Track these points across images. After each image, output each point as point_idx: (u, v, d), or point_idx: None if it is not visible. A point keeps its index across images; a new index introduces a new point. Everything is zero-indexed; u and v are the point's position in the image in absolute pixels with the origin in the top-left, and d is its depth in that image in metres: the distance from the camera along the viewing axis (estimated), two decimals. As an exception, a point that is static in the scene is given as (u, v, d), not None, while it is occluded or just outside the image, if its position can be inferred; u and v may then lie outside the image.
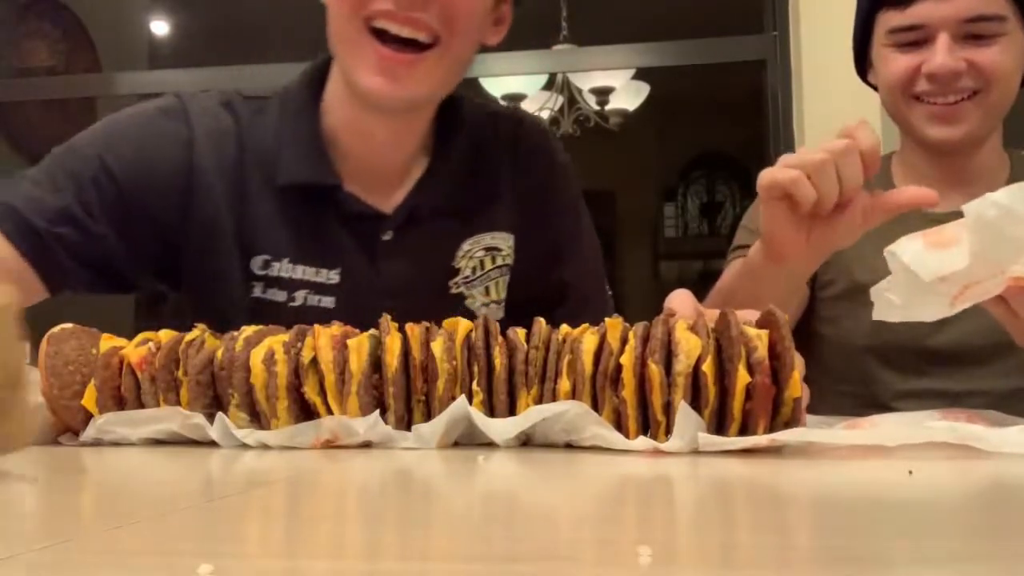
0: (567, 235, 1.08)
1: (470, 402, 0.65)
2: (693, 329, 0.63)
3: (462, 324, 0.69)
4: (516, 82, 3.66)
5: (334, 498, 0.49)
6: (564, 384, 0.64)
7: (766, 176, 0.83)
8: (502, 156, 1.04)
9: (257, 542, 0.36)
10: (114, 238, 0.92)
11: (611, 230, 5.68)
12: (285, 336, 0.68)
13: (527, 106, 3.87)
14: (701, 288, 0.97)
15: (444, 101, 0.98)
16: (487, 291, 1.02)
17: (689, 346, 0.61)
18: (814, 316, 1.15)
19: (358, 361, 0.66)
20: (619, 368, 0.62)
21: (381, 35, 0.87)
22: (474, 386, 0.66)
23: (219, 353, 0.68)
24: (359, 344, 0.67)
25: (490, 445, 0.65)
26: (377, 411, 0.65)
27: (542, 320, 0.69)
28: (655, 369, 0.60)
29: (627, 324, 0.65)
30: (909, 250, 0.69)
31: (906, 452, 0.58)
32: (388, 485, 0.54)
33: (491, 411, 0.66)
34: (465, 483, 0.55)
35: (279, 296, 0.94)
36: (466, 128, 1.01)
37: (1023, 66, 1.07)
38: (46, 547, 0.32)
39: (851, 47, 1.17)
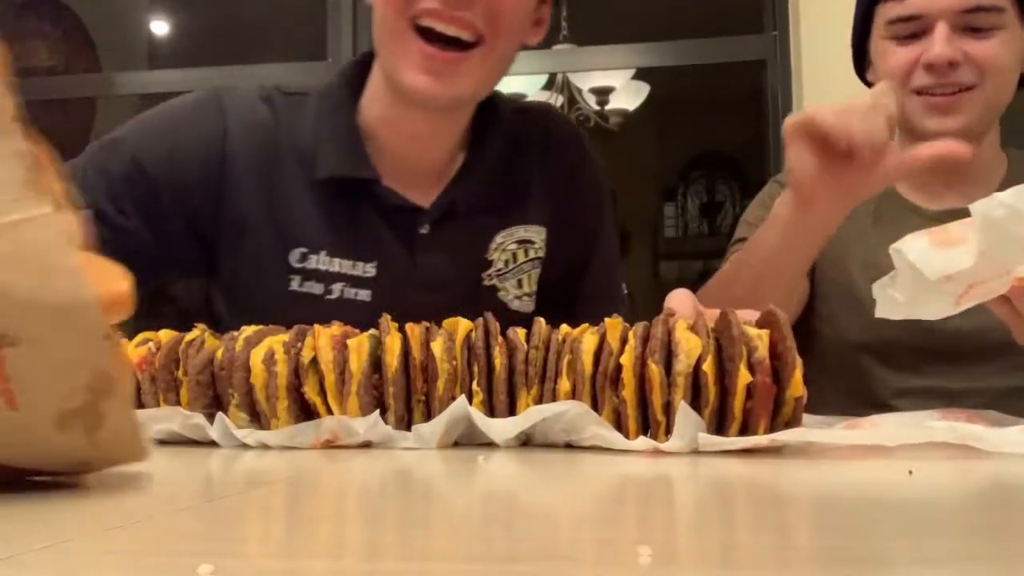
0: (593, 229, 1.09)
1: (470, 402, 0.65)
2: (693, 329, 0.63)
3: (462, 324, 0.69)
4: (516, 82, 3.66)
5: (334, 498, 0.49)
6: (564, 384, 0.64)
7: (801, 115, 0.85)
8: (534, 150, 1.05)
9: (257, 542, 0.36)
10: (147, 233, 0.93)
11: (611, 230, 5.66)
12: (285, 336, 0.68)
13: (527, 106, 3.86)
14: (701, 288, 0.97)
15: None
16: (519, 284, 1.02)
17: (689, 346, 0.61)
18: (813, 314, 1.15)
19: (358, 361, 0.66)
20: (619, 368, 0.62)
21: (426, 33, 0.88)
22: (474, 386, 0.66)
23: (219, 353, 0.68)
24: (359, 344, 0.67)
25: (490, 445, 0.65)
26: (377, 411, 0.65)
27: (542, 320, 0.69)
28: (655, 369, 0.60)
29: (627, 324, 0.65)
30: (915, 248, 0.69)
31: (906, 452, 0.58)
32: (388, 485, 0.54)
33: (491, 411, 0.66)
34: (465, 483, 0.55)
35: (316, 289, 0.95)
36: (502, 124, 1.02)
37: (1021, 61, 1.08)
38: (46, 547, 0.32)
39: (850, 46, 1.17)
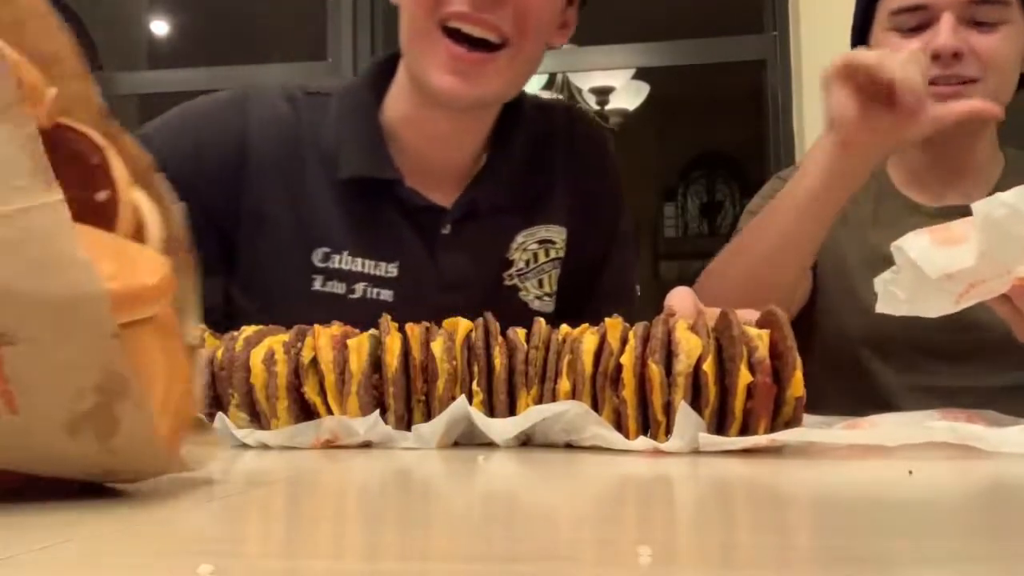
0: (611, 229, 1.10)
1: (470, 402, 0.65)
2: (693, 329, 0.63)
3: (462, 324, 0.69)
4: (516, 82, 3.66)
5: (334, 498, 0.49)
6: (564, 384, 0.64)
7: (842, 57, 0.87)
8: (557, 150, 1.05)
9: (257, 542, 0.36)
10: None
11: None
12: (285, 336, 0.68)
13: (527, 106, 3.87)
14: (701, 288, 0.97)
15: None
16: (540, 283, 1.03)
17: (689, 346, 0.61)
18: (814, 308, 1.15)
19: (358, 361, 0.66)
20: (619, 368, 0.62)
21: (453, 35, 0.89)
22: (474, 386, 0.66)
23: (219, 353, 0.68)
24: (359, 344, 0.67)
25: (490, 445, 0.65)
26: (377, 411, 0.65)
27: (542, 320, 0.69)
28: (655, 369, 0.60)
29: (627, 324, 0.65)
30: (916, 246, 0.69)
31: (906, 452, 0.58)
32: (388, 485, 0.54)
33: (491, 411, 0.66)
34: (465, 483, 0.55)
35: (339, 288, 0.95)
36: (526, 124, 1.02)
37: (1023, 58, 1.07)
38: (46, 547, 0.32)
39: (850, 46, 1.17)
